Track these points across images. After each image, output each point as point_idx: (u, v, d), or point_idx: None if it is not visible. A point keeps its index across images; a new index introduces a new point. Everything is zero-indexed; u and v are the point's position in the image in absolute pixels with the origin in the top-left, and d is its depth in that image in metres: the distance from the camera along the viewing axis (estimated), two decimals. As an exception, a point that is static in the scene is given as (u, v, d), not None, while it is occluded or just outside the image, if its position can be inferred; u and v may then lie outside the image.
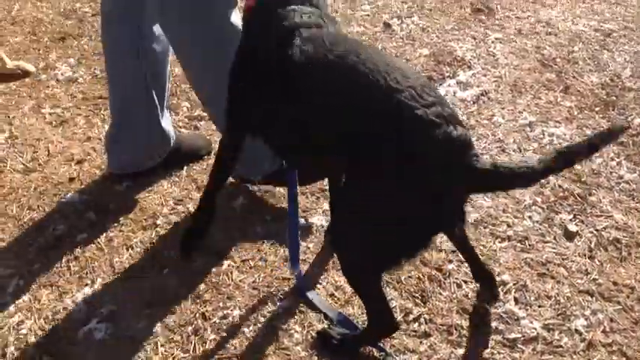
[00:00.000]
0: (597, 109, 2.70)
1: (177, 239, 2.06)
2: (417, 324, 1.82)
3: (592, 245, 2.06)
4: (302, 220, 2.13)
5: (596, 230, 2.11)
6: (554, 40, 3.20)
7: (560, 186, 2.29)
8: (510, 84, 2.88)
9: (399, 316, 1.81)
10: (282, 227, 2.06)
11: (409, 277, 1.95)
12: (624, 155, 2.43)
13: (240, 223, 2.17)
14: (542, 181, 2.28)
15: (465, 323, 1.81)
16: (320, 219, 2.16)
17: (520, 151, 2.47)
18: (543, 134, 2.55)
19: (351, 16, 3.41)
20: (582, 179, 2.32)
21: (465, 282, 1.93)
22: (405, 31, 3.30)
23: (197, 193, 2.25)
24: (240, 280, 1.96)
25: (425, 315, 1.84)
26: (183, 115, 2.71)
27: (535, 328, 1.80)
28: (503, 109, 2.72)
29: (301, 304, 1.88)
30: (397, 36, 3.27)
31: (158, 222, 2.17)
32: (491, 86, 2.87)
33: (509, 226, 2.14)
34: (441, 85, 2.87)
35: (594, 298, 1.89)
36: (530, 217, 2.18)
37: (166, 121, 2.32)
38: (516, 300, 1.89)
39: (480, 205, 2.20)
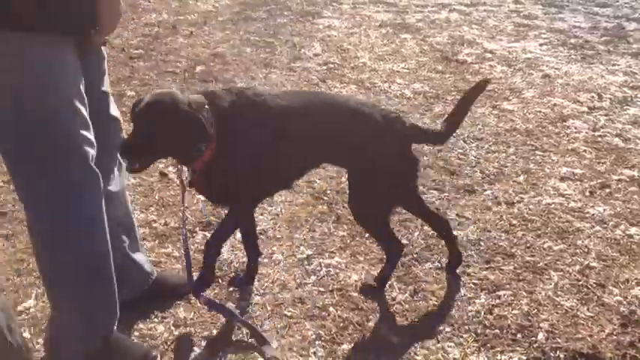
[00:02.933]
0: (367, 234, 2.88)
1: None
2: None
3: (374, 374, 2.13)
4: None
5: (376, 357, 2.19)
6: (322, 173, 3.40)
7: (339, 316, 2.36)
8: (287, 220, 2.99)
9: None
10: None
11: None
12: (395, 277, 2.59)
13: None
14: (324, 313, 2.36)
15: None
16: None
17: (300, 285, 2.53)
18: (320, 266, 2.64)
19: (126, 168, 3.36)
20: (359, 306, 2.41)
21: None
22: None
23: None
24: None
25: None
26: None
27: None
28: (281, 245, 2.80)
29: None
30: (175, 184, 3.28)
31: None
32: (269, 224, 2.96)
33: (295, 367, 2.14)
34: (220, 228, 2.90)
35: None
36: (314, 354, 2.20)
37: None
38: None
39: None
